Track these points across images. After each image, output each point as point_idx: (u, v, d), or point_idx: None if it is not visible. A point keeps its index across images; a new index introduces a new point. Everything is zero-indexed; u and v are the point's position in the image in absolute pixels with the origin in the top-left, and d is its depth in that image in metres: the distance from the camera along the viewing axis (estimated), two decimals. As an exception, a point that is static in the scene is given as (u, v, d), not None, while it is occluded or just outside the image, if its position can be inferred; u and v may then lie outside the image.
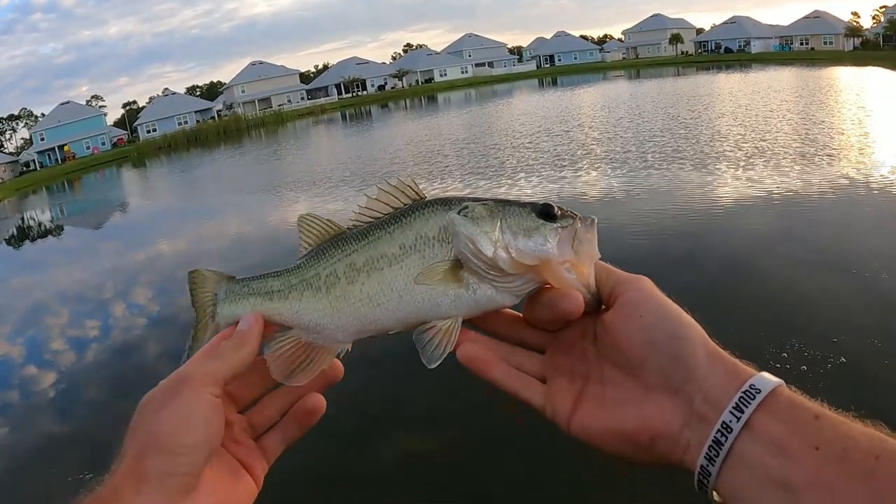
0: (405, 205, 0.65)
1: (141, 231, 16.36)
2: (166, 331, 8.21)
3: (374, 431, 5.02)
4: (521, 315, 0.65)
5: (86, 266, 13.14)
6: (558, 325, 0.63)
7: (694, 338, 0.54)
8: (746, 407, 0.48)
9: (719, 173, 10.65)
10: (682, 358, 0.53)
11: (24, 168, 54.67)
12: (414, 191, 0.66)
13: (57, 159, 53.66)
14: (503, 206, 0.63)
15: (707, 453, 0.49)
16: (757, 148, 12.14)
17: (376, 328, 0.64)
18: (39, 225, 22.28)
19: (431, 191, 13.44)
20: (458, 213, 0.62)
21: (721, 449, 0.48)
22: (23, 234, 20.50)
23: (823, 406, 0.48)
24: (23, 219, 24.38)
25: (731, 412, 0.48)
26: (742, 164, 10.99)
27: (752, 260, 6.80)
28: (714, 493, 0.50)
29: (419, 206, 0.65)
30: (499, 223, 0.61)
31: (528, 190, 11.54)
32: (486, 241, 0.60)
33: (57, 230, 20.81)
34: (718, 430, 0.48)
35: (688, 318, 0.56)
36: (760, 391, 0.48)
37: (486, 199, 0.64)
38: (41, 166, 53.29)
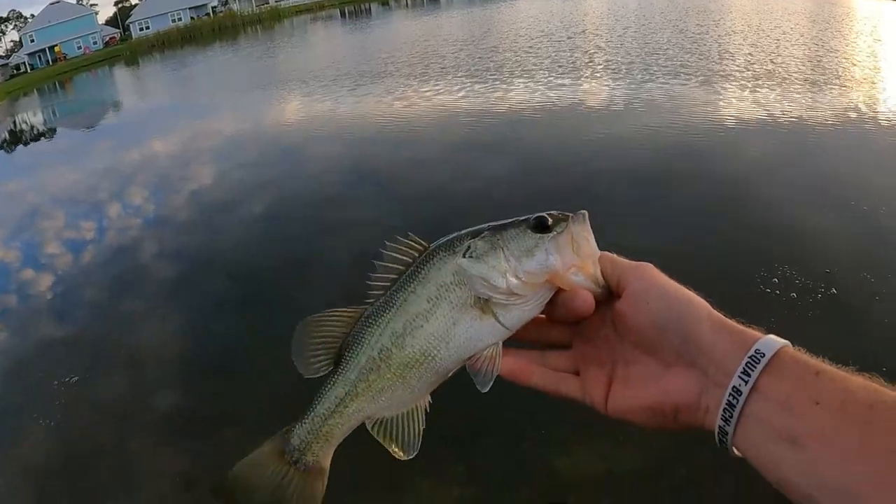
0: (414, 258, 0.68)
1: (135, 131, 16.07)
2: (162, 230, 8.15)
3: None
4: (544, 316, 0.69)
5: (80, 167, 12.97)
6: (577, 320, 0.67)
7: (698, 315, 0.59)
8: (753, 370, 0.52)
9: (724, 93, 10.16)
10: (690, 335, 0.58)
11: (15, 71, 53.57)
12: (417, 242, 0.69)
13: (48, 60, 52.59)
14: (501, 233, 0.67)
15: (722, 415, 0.54)
16: (766, 70, 11.49)
17: (438, 375, 0.68)
18: (32, 128, 21.88)
19: (424, 93, 13.35)
20: (464, 256, 0.66)
21: (734, 410, 0.53)
22: (15, 138, 20.15)
23: (825, 362, 0.52)
24: (14, 122, 23.90)
25: (739, 376, 0.53)
26: (749, 85, 10.46)
27: (749, 184, 6.56)
28: (734, 449, 0.55)
29: (428, 257, 0.68)
30: (502, 253, 0.65)
31: (525, 96, 11.14)
32: (496, 275, 0.65)
33: (49, 133, 20.42)
34: (730, 394, 0.53)
35: (691, 296, 0.61)
36: (765, 354, 0.53)
37: (482, 230, 0.68)
38: (32, 68, 52.19)
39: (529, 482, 3.61)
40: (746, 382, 0.52)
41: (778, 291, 4.62)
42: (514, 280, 0.64)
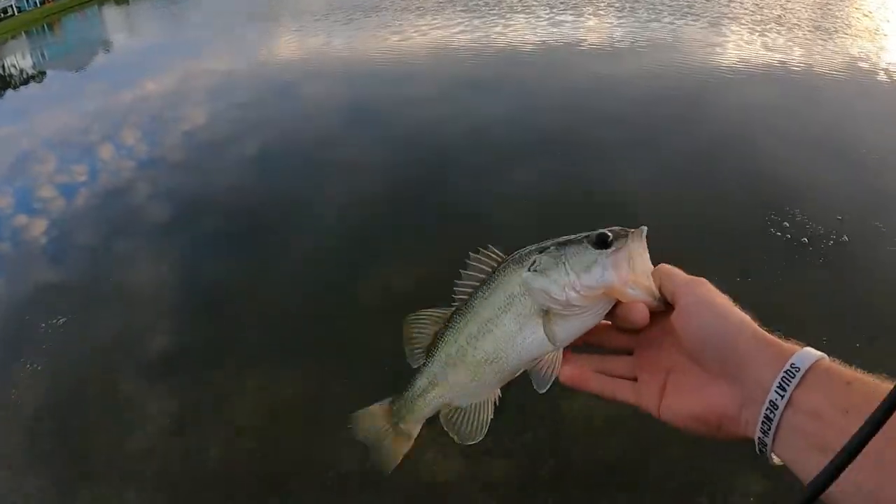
0: (492, 268, 0.76)
1: (126, 71, 15.72)
2: (154, 171, 8.03)
3: (363, 264, 4.92)
4: (609, 322, 0.74)
5: (71, 110, 12.69)
6: (635, 329, 0.72)
7: (742, 332, 0.62)
8: (788, 385, 0.56)
9: (731, 35, 9.90)
10: (731, 352, 0.61)
11: (2, 14, 51.95)
12: (496, 254, 0.76)
13: (35, 2, 50.86)
14: (564, 249, 0.72)
15: (761, 428, 0.57)
16: (776, 15, 11.10)
17: (506, 374, 0.75)
18: (21, 72, 21.34)
19: (420, 27, 13.03)
20: (529, 270, 0.73)
21: (771, 423, 0.56)
22: (4, 83, 19.67)
23: (858, 372, 0.55)
24: (3, 67, 23.32)
25: (775, 391, 0.56)
26: (758, 29, 10.12)
27: (759, 129, 6.43)
28: (774, 457, 0.58)
29: (501, 270, 0.75)
30: (563, 268, 0.71)
31: (525, 33, 10.79)
32: (556, 288, 0.70)
33: (39, 76, 19.98)
34: (767, 408, 0.57)
35: (737, 314, 0.64)
36: (800, 369, 0.56)
37: (548, 246, 0.74)
38: (19, 11, 50.52)
39: (534, 427, 3.57)
40: (782, 397, 0.56)
41: (788, 236, 4.60)
42: (572, 293, 0.70)
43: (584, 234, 0.73)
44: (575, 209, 5.19)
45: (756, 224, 4.76)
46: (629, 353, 0.76)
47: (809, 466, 0.53)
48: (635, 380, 0.73)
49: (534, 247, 0.75)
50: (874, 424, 0.46)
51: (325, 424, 3.75)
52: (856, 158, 5.72)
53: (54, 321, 4.82)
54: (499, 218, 5.28)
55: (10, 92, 18.04)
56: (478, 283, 0.76)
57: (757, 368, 0.59)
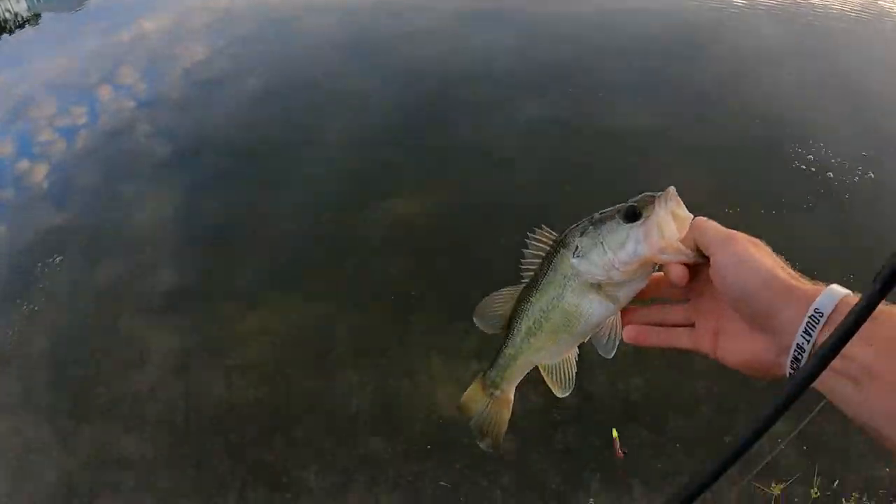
0: (548, 247, 0.84)
1: (123, 10, 15.10)
2: (155, 110, 7.77)
3: (368, 197, 4.74)
4: (662, 274, 0.78)
5: (68, 52, 12.26)
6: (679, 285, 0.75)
7: (769, 285, 0.64)
8: (813, 330, 0.59)
9: None
10: (763, 307, 0.64)
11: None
12: (550, 233, 0.85)
13: (27, -56, 49.17)
14: (600, 228, 0.79)
15: (791, 366, 0.62)
16: None
17: (578, 338, 0.85)
18: (15, 16, 20.75)
19: None
20: (573, 256, 0.81)
21: (800, 363, 0.60)
22: None
23: (883, 304, 0.52)
24: (-1, 11, 22.68)
25: (801, 336, 0.60)
26: None
27: (783, 61, 6.11)
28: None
29: (555, 252, 0.83)
30: (601, 248, 0.78)
31: None
32: (598, 269, 0.78)
33: (34, 19, 19.33)
34: (795, 351, 0.61)
35: (766, 268, 0.65)
36: (823, 314, 0.59)
37: (587, 226, 0.80)
38: (12, -46, 49.00)
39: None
40: (808, 341, 0.59)
41: (813, 169, 4.45)
42: (613, 271, 0.77)
43: (616, 208, 0.78)
44: (585, 144, 4.94)
45: (780, 157, 4.55)
46: (685, 301, 0.80)
47: (842, 397, 0.57)
48: (692, 325, 0.78)
49: (577, 226, 0.81)
50: (865, 310, 0.47)
51: (331, 363, 3.64)
52: (881, 96, 5.47)
53: (51, 261, 4.70)
54: (505, 149, 5.03)
55: (5, 36, 17.61)
56: (539, 261, 0.85)
57: (784, 319, 0.62)
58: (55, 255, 4.75)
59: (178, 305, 4.11)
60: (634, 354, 3.39)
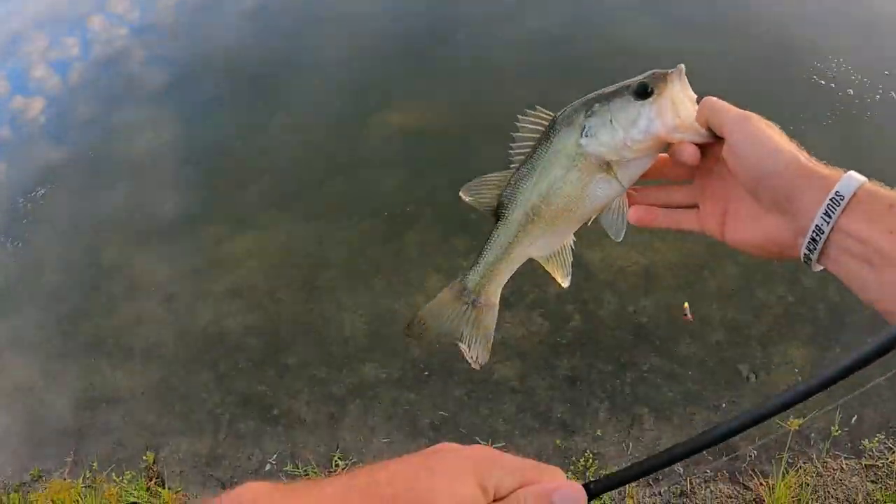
0: (545, 128, 0.78)
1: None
2: (148, 37, 7.44)
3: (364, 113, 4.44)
4: (667, 155, 0.75)
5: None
6: (689, 165, 0.73)
7: (789, 167, 0.63)
8: (833, 213, 0.59)
9: None
10: (782, 188, 0.64)
11: None
12: (545, 114, 0.78)
13: None
14: (609, 105, 0.73)
15: (807, 247, 0.62)
16: None
17: (579, 222, 0.79)
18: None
19: None
20: (582, 135, 0.74)
21: (817, 244, 0.61)
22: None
23: None
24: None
25: (822, 217, 0.60)
26: None
27: None
28: (817, 266, 0.63)
29: (555, 133, 0.76)
30: (611, 126, 0.72)
31: None
32: (609, 149, 0.73)
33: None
34: (814, 232, 0.61)
35: (784, 149, 0.64)
36: (844, 197, 0.59)
37: (593, 103, 0.74)
38: None
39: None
40: (828, 223, 0.59)
41: (833, 85, 4.07)
42: (625, 150, 0.72)
43: (625, 85, 0.73)
44: (589, 58, 4.52)
45: (799, 71, 4.14)
46: (689, 181, 0.78)
47: (859, 281, 0.59)
48: (696, 207, 0.77)
49: (580, 103, 0.76)
50: None
51: (323, 285, 3.43)
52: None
53: (33, 194, 4.52)
54: (504, 63, 4.64)
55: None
56: (533, 144, 0.78)
57: (805, 201, 0.62)
58: (45, 188, 4.56)
59: (164, 231, 3.92)
60: (644, 275, 3.12)
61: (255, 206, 3.91)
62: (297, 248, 3.61)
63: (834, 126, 3.77)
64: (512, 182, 0.80)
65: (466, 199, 0.82)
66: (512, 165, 0.80)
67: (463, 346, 0.84)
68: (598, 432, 2.73)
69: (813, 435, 2.62)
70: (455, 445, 0.58)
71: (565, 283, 0.83)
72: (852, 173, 0.60)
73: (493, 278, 0.82)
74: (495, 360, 2.98)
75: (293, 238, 3.67)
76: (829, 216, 0.59)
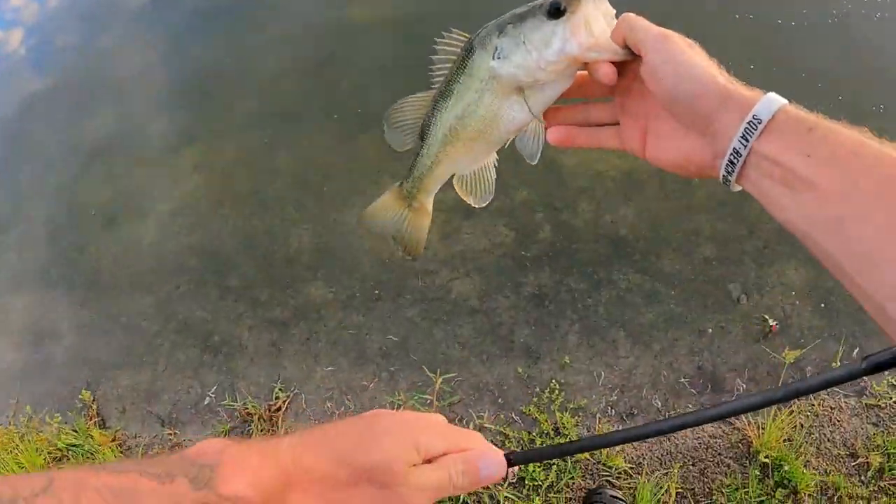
0: (461, 50, 0.75)
1: None
2: None
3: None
4: (586, 73, 0.73)
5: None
6: (607, 84, 0.71)
7: (708, 88, 0.62)
8: (751, 136, 0.59)
9: None
10: (700, 109, 0.62)
11: None
12: (461, 35, 0.76)
13: None
14: (521, 26, 0.70)
15: (726, 169, 0.62)
16: None
17: (497, 144, 0.79)
18: None
19: None
20: (495, 58, 0.72)
21: (735, 167, 0.61)
22: None
23: (819, 118, 0.57)
24: None
25: (739, 140, 0.60)
26: None
27: None
28: (736, 186, 0.64)
29: (469, 55, 0.74)
30: (524, 48, 0.70)
31: None
32: (522, 71, 0.70)
33: None
34: (731, 155, 0.61)
35: (702, 70, 0.62)
36: (762, 120, 0.58)
37: (506, 24, 0.71)
38: None
39: (530, 184, 2.78)
40: (745, 146, 0.59)
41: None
42: (538, 72, 0.70)
43: (537, 4, 0.70)
44: None
45: None
46: (610, 99, 0.76)
47: (776, 202, 0.59)
48: (617, 124, 0.75)
49: (493, 24, 0.74)
50: None
51: (269, 198, 3.08)
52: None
53: (54, 125, 4.20)
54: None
55: None
56: (451, 66, 0.77)
57: (723, 123, 0.61)
58: (45, 119, 4.23)
59: (106, 152, 3.59)
60: (625, 181, 2.68)
61: (201, 115, 3.54)
62: (243, 160, 3.25)
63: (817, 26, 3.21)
64: (431, 104, 0.80)
65: (389, 138, 0.83)
66: (432, 88, 0.79)
67: (397, 245, 0.89)
68: (567, 359, 2.36)
69: (810, 368, 2.23)
70: (390, 411, 0.65)
71: (478, 204, 0.84)
72: (772, 95, 0.59)
73: (423, 189, 0.85)
74: (452, 276, 2.60)
75: (240, 148, 3.30)
76: (747, 139, 0.59)
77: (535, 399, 2.30)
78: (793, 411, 2.11)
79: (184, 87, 3.88)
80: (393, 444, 0.59)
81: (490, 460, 0.64)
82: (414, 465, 0.60)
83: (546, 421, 2.22)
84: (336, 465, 0.58)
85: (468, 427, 2.24)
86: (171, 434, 2.58)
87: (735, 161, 0.60)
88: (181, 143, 3.43)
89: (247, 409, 2.54)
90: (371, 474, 0.57)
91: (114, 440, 2.62)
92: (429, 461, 0.61)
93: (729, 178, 0.62)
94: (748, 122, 0.58)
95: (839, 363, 2.21)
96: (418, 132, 0.82)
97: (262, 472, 0.55)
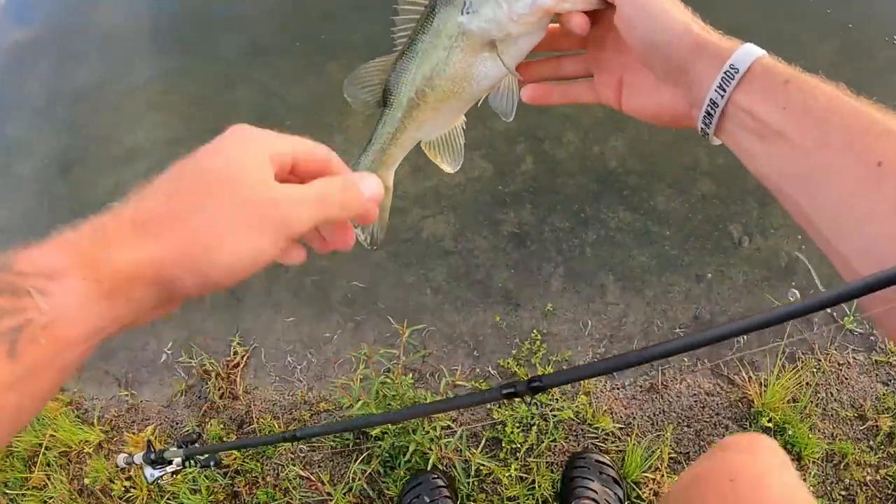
0: (425, 8, 0.72)
1: None
2: None
3: None
4: (557, 25, 0.71)
5: None
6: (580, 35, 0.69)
7: (682, 39, 0.60)
8: (728, 86, 0.57)
9: None
10: (676, 61, 0.61)
11: None
12: None
13: None
14: None
15: (703, 121, 0.61)
16: None
17: (467, 104, 0.77)
18: None
19: None
20: (462, 13, 0.68)
21: (712, 118, 0.60)
22: None
23: (796, 71, 0.56)
24: None
25: (715, 91, 0.58)
26: None
27: None
28: (715, 139, 0.63)
29: (435, 12, 0.70)
30: (493, 1, 0.67)
31: None
32: (493, 26, 0.68)
33: None
34: (708, 105, 0.59)
35: (677, 20, 0.60)
36: (738, 70, 0.57)
37: None
38: None
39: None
40: (722, 97, 0.58)
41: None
42: (511, 26, 0.67)
43: None
44: None
45: None
46: (583, 52, 0.75)
47: (750, 153, 0.59)
48: (591, 76, 0.74)
49: None
50: None
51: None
52: None
53: (41, 73, 3.91)
54: None
55: None
56: (415, 25, 0.73)
57: (698, 73, 0.60)
58: (31, 69, 3.95)
59: (64, 100, 3.31)
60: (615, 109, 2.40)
61: (158, 49, 3.24)
62: (204, 95, 2.97)
63: None
64: (395, 67, 0.76)
65: (351, 100, 0.78)
66: (395, 49, 0.75)
67: (357, 229, 0.80)
68: (550, 306, 2.11)
69: (817, 320, 1.98)
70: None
71: (452, 169, 0.82)
72: (749, 45, 0.58)
73: (384, 163, 0.81)
74: (424, 214, 2.34)
75: (201, 83, 3.02)
76: (724, 90, 0.58)
77: (514, 351, 2.07)
78: (798, 368, 1.87)
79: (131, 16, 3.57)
80: (240, 150, 0.54)
81: (371, 179, 0.61)
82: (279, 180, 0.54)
83: (526, 375, 1.99)
84: (175, 186, 0.51)
85: (439, 385, 2.02)
86: (126, 395, 2.39)
87: (712, 112, 0.60)
88: (136, 82, 3.15)
89: (203, 366, 2.33)
90: (221, 185, 0.50)
91: (70, 404, 2.43)
92: (296, 177, 0.57)
93: (707, 129, 0.61)
94: (724, 72, 0.57)
95: (851, 316, 1.97)
96: (380, 98, 0.78)
97: (74, 237, 0.48)
